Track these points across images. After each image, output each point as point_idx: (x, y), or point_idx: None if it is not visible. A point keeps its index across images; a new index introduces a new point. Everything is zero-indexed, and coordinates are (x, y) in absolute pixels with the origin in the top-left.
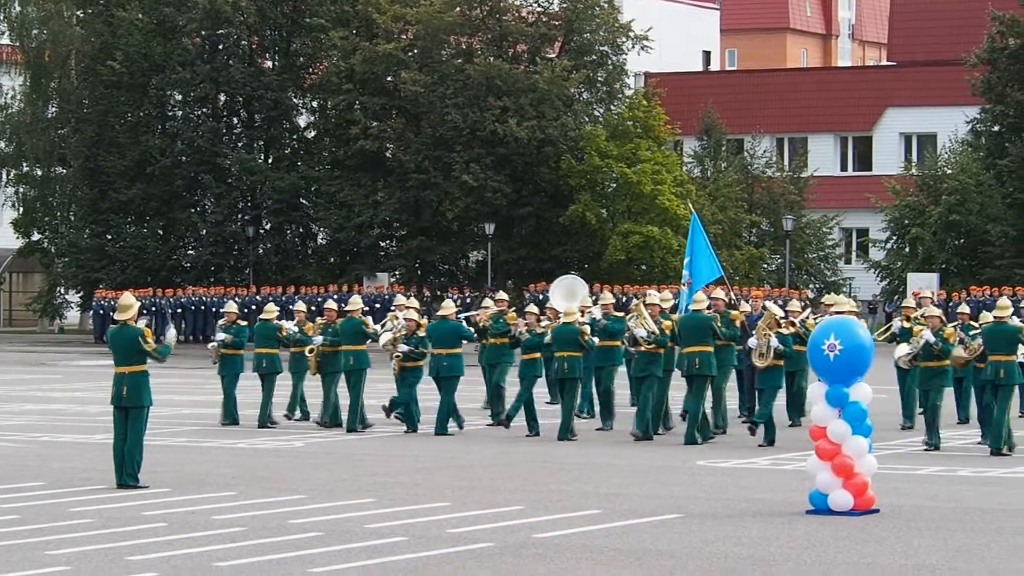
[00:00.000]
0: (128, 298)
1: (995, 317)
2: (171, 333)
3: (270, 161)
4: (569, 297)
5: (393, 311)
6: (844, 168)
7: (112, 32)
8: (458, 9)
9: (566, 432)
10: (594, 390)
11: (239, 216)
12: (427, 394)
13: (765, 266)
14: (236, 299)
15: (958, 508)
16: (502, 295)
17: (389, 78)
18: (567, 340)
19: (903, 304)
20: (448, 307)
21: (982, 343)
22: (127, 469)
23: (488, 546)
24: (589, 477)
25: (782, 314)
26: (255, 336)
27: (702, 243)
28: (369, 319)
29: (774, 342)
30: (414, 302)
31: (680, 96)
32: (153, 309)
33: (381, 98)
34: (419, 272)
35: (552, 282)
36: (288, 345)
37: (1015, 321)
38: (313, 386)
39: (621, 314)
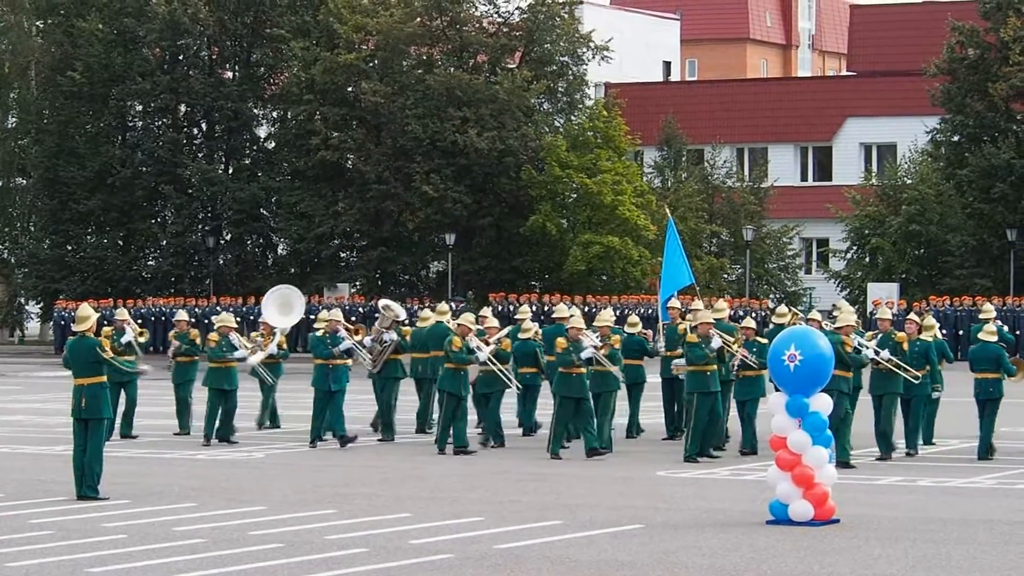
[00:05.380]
0: (86, 309)
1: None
2: (144, 368)
3: (230, 172)
4: (284, 310)
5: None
6: (804, 178)
7: (72, 43)
8: (418, 20)
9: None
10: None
11: (199, 227)
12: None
13: (725, 276)
14: (187, 308)
15: (918, 518)
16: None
17: (349, 88)
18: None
19: (879, 316)
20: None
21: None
22: (87, 480)
23: (449, 557)
24: (550, 488)
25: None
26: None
27: (676, 249)
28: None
29: None
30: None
31: (640, 106)
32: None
33: (341, 108)
34: (380, 282)
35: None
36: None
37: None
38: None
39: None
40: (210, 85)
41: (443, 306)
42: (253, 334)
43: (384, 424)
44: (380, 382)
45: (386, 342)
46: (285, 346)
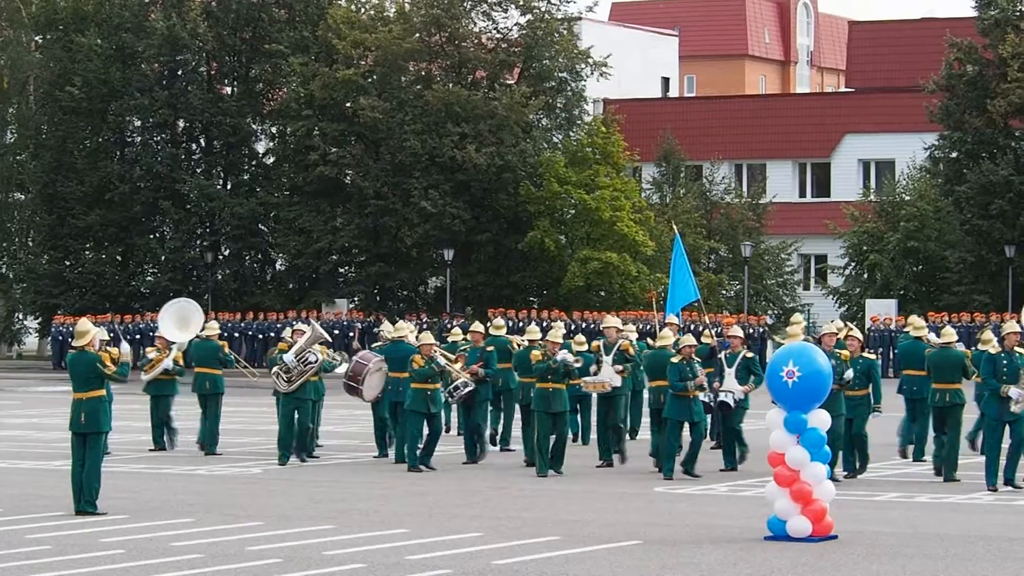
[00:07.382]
0: (85, 324)
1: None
2: (125, 348)
3: (229, 187)
4: (181, 324)
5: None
6: (802, 194)
7: (71, 58)
8: (417, 36)
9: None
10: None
11: (198, 242)
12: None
13: (723, 292)
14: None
15: (916, 534)
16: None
17: (348, 104)
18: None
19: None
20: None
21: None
22: (85, 495)
23: (446, 573)
24: (548, 504)
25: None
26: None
27: (683, 266)
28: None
29: None
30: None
31: (639, 122)
32: (111, 335)
33: (340, 124)
34: (378, 298)
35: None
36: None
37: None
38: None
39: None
40: (209, 101)
41: (499, 321)
42: (148, 348)
43: (299, 445)
44: (292, 403)
45: (310, 362)
46: (181, 362)
